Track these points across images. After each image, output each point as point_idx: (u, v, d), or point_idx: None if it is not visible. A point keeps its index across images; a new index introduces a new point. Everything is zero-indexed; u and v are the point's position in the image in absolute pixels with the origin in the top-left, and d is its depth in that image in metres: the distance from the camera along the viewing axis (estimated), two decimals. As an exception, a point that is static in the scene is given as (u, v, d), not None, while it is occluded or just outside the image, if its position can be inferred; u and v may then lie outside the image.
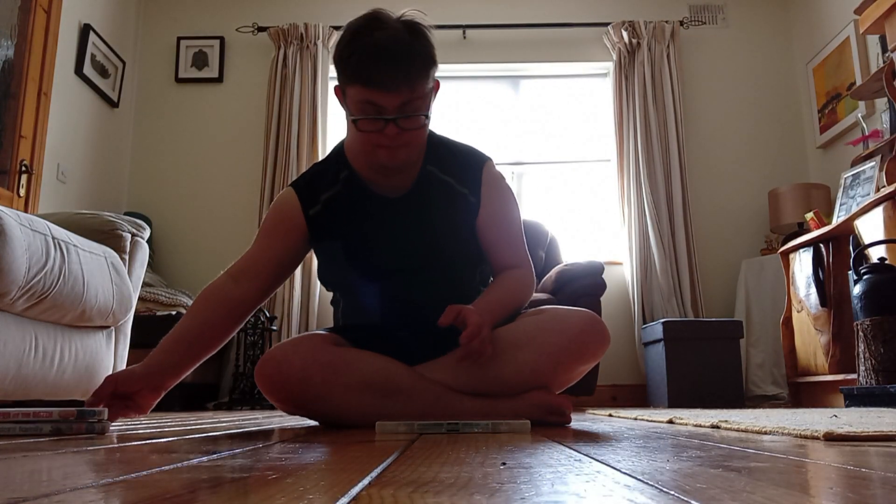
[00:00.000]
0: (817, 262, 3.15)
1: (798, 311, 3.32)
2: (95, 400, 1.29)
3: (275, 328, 3.73)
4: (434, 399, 1.36)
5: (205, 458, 0.73)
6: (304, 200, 1.47)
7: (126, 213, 3.90)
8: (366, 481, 0.54)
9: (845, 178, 3.45)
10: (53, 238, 1.67)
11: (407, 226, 1.46)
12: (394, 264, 1.46)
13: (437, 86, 1.41)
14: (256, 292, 1.46)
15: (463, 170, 1.50)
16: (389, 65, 1.27)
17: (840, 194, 3.44)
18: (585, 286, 3.16)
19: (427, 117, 1.37)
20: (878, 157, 3.26)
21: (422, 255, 1.46)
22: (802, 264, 3.28)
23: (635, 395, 3.94)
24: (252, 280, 1.46)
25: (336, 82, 1.39)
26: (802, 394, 3.33)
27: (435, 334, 1.38)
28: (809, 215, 3.40)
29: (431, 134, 1.50)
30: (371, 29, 1.30)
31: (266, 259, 1.47)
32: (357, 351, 1.41)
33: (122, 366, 2.14)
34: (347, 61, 1.30)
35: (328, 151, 4.92)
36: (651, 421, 1.61)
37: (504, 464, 0.66)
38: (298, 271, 3.96)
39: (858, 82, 3.60)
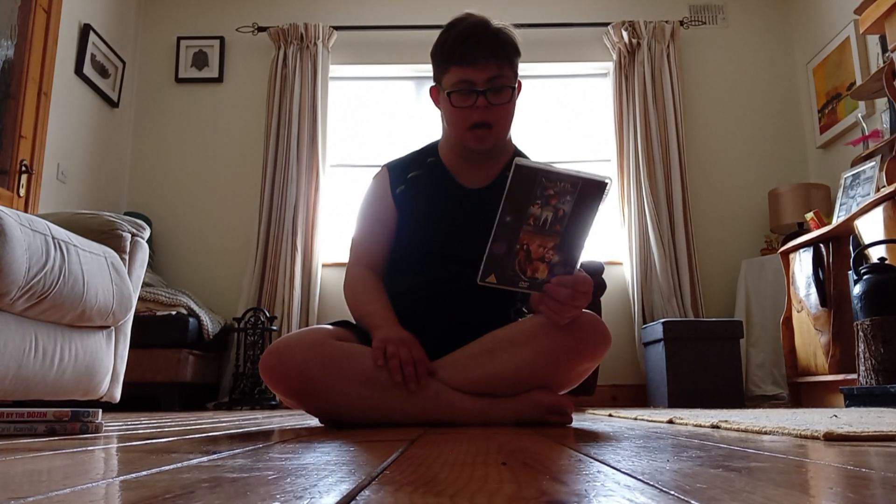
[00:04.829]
0: (817, 262, 3.15)
1: (798, 311, 3.32)
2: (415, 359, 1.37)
3: (275, 328, 3.73)
4: (434, 396, 1.37)
5: (205, 458, 0.73)
6: (393, 180, 1.63)
7: (126, 213, 3.90)
8: (366, 481, 0.54)
9: (845, 178, 3.45)
10: (53, 238, 1.67)
11: (477, 216, 1.54)
12: (451, 249, 1.54)
13: (519, 85, 1.56)
14: (383, 270, 1.63)
15: None
16: (477, 44, 1.47)
17: (840, 194, 3.44)
18: (585, 286, 3.16)
19: (513, 91, 1.51)
20: (878, 157, 3.26)
21: (478, 247, 1.50)
22: (802, 264, 3.28)
23: (635, 395, 3.94)
24: (379, 268, 1.63)
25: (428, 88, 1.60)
26: (802, 394, 3.33)
27: (462, 328, 1.47)
28: (809, 215, 3.40)
29: (516, 148, 1.68)
30: (461, 21, 1.53)
31: (380, 249, 1.62)
32: (358, 346, 1.43)
33: (122, 366, 2.14)
34: (442, 48, 1.51)
35: (328, 151, 4.86)
36: (651, 421, 1.61)
37: (504, 464, 0.66)
38: (298, 271, 3.96)
39: (858, 82, 3.60)
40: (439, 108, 1.60)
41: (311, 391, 1.36)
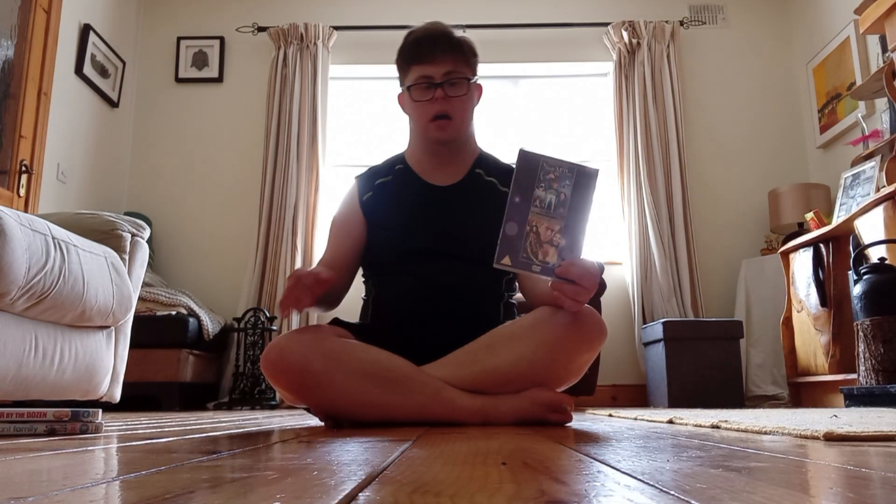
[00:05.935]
0: (817, 262, 3.15)
1: (798, 311, 3.32)
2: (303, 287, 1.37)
3: (275, 328, 3.73)
4: (434, 393, 1.38)
5: (205, 458, 0.73)
6: (361, 188, 1.72)
7: (126, 213, 3.90)
8: (366, 481, 0.54)
9: (845, 178, 3.45)
10: (53, 238, 1.67)
11: (449, 212, 1.62)
12: (431, 245, 1.58)
13: (479, 90, 1.66)
14: (342, 281, 1.65)
15: (507, 175, 1.64)
16: (433, 42, 1.58)
17: (840, 194, 3.44)
18: (585, 286, 3.16)
19: (469, 84, 1.60)
20: (878, 157, 3.26)
21: (458, 241, 1.58)
22: (802, 264, 3.28)
23: (635, 395, 3.94)
24: (339, 269, 1.63)
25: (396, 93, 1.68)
26: (802, 394, 3.33)
27: (454, 320, 1.50)
28: (809, 215, 3.40)
29: (482, 151, 1.73)
30: (418, 27, 1.64)
31: (341, 258, 1.67)
32: (358, 342, 1.46)
33: (123, 366, 2.14)
34: (402, 52, 1.62)
35: (328, 151, 4.87)
36: (651, 421, 1.61)
37: (504, 463, 0.66)
38: (298, 271, 3.96)
39: (858, 82, 3.60)
40: (406, 111, 1.68)
41: (312, 385, 1.37)
